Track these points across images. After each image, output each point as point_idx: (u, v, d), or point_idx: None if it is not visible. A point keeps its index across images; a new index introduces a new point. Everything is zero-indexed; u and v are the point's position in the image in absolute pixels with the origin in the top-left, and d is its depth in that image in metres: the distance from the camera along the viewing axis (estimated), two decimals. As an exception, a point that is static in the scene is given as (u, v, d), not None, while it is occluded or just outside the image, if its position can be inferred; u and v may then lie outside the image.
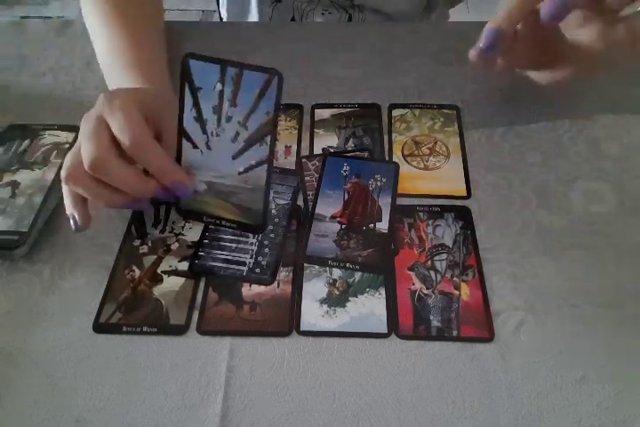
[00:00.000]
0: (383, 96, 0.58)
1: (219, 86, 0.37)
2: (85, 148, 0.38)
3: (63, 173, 0.40)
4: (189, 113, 0.39)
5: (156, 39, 0.56)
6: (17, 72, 0.62)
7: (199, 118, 0.39)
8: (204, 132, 0.39)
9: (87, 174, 0.38)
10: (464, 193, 0.49)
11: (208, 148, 0.40)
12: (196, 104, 0.38)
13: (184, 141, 0.40)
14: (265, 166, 0.39)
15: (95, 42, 0.55)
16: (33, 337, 0.41)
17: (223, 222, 0.42)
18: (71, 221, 0.41)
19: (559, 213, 0.47)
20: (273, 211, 0.48)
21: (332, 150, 0.53)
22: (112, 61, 0.51)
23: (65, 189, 0.41)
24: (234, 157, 0.40)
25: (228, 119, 0.38)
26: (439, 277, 0.43)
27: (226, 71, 0.37)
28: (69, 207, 0.41)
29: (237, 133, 0.39)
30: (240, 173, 0.40)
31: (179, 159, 0.40)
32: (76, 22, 0.67)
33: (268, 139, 0.39)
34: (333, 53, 0.63)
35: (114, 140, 0.38)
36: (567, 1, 0.38)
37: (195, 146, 0.40)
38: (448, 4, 0.83)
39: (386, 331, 0.41)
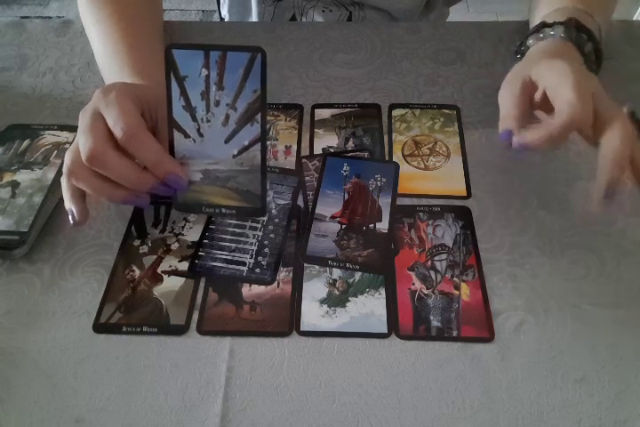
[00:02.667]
0: (383, 96, 0.58)
1: (204, 72, 0.38)
2: (82, 141, 0.38)
3: (65, 169, 0.40)
4: (177, 103, 0.39)
5: (154, 38, 0.55)
6: (17, 72, 0.62)
7: (188, 106, 0.39)
8: (194, 119, 0.39)
9: (87, 169, 0.39)
10: (464, 193, 0.49)
11: (200, 135, 0.40)
12: (184, 93, 0.39)
13: (175, 132, 0.40)
14: (258, 145, 0.39)
15: (93, 43, 0.55)
16: (33, 337, 0.41)
17: (223, 210, 0.42)
18: (69, 216, 0.41)
19: (559, 213, 0.47)
20: (273, 211, 0.48)
21: (332, 150, 0.53)
22: (110, 62, 0.51)
23: (64, 183, 0.41)
24: (226, 141, 0.40)
25: (217, 103, 0.39)
26: (439, 277, 0.43)
27: (209, 55, 0.37)
28: (68, 202, 0.41)
29: (227, 116, 0.39)
30: (234, 156, 0.40)
31: (172, 151, 0.40)
32: (76, 22, 0.67)
33: (259, 117, 0.39)
34: (333, 53, 0.63)
35: (110, 133, 0.39)
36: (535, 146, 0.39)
37: (186, 135, 0.40)
38: (447, 2, 0.83)
39: (386, 331, 0.40)
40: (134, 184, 0.39)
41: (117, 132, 0.38)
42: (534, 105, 0.43)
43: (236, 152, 0.40)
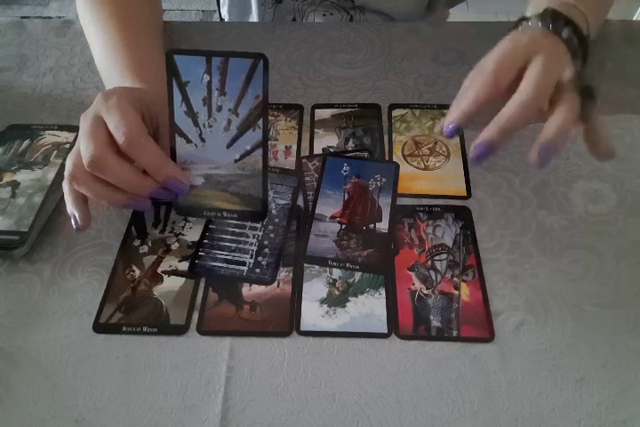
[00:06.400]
0: (383, 96, 0.58)
1: (206, 77, 0.38)
2: (84, 146, 0.38)
3: (66, 173, 0.40)
4: (179, 108, 0.39)
5: (153, 39, 0.55)
6: (17, 72, 0.62)
7: (190, 112, 0.39)
8: (196, 124, 0.40)
9: (88, 173, 0.39)
10: (464, 193, 0.49)
11: (202, 140, 0.40)
12: (186, 98, 0.39)
13: (177, 137, 0.40)
14: (260, 150, 0.40)
15: (92, 45, 0.55)
16: (33, 337, 0.41)
17: (224, 214, 0.42)
18: (72, 221, 0.41)
19: (559, 213, 0.47)
20: (273, 211, 0.48)
21: (332, 150, 0.53)
22: (109, 65, 0.51)
23: (66, 188, 0.41)
24: (228, 146, 0.40)
25: (219, 109, 0.39)
26: (439, 277, 0.43)
27: (211, 62, 0.38)
28: (70, 206, 0.41)
29: (229, 121, 0.39)
30: (236, 161, 0.41)
31: (173, 155, 0.41)
32: (76, 22, 0.67)
33: (261, 122, 0.39)
34: (333, 53, 0.63)
35: (111, 138, 0.39)
36: (492, 144, 0.39)
37: (188, 140, 0.40)
38: (448, 4, 0.83)
39: (386, 331, 0.40)
40: (135, 189, 0.39)
41: (119, 138, 0.38)
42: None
43: (237, 157, 0.40)
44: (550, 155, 0.39)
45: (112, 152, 0.38)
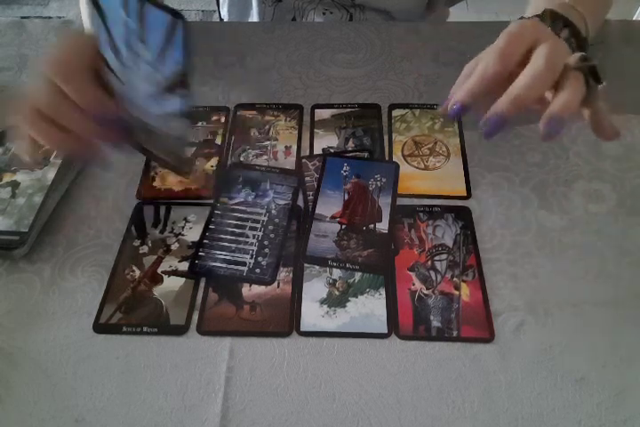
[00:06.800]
0: (383, 96, 0.58)
1: (124, 17, 0.35)
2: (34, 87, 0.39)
3: (15, 114, 0.39)
4: (105, 42, 0.37)
5: None
6: (17, 72, 0.62)
7: (114, 48, 0.37)
8: (123, 64, 0.38)
9: (37, 114, 0.39)
10: (464, 193, 0.49)
11: (128, 81, 0.38)
12: (109, 33, 0.37)
13: (108, 72, 0.39)
14: (181, 118, 0.39)
15: None
16: (33, 337, 0.41)
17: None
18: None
19: (559, 213, 0.47)
20: (273, 211, 0.48)
21: (332, 150, 0.53)
22: None
23: (17, 128, 0.40)
24: (153, 98, 0.38)
25: (138, 55, 0.37)
26: (439, 277, 0.43)
27: (128, 2, 0.34)
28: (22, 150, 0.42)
29: (151, 73, 0.37)
30: (160, 117, 0.39)
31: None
32: (76, 22, 0.67)
33: (181, 92, 0.37)
34: (333, 53, 0.63)
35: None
36: (504, 116, 0.38)
37: (116, 76, 0.39)
38: (448, 2, 0.82)
39: (386, 331, 0.40)
40: (81, 128, 0.39)
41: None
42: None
43: (160, 114, 0.39)
44: (557, 127, 0.38)
45: (64, 97, 0.38)
